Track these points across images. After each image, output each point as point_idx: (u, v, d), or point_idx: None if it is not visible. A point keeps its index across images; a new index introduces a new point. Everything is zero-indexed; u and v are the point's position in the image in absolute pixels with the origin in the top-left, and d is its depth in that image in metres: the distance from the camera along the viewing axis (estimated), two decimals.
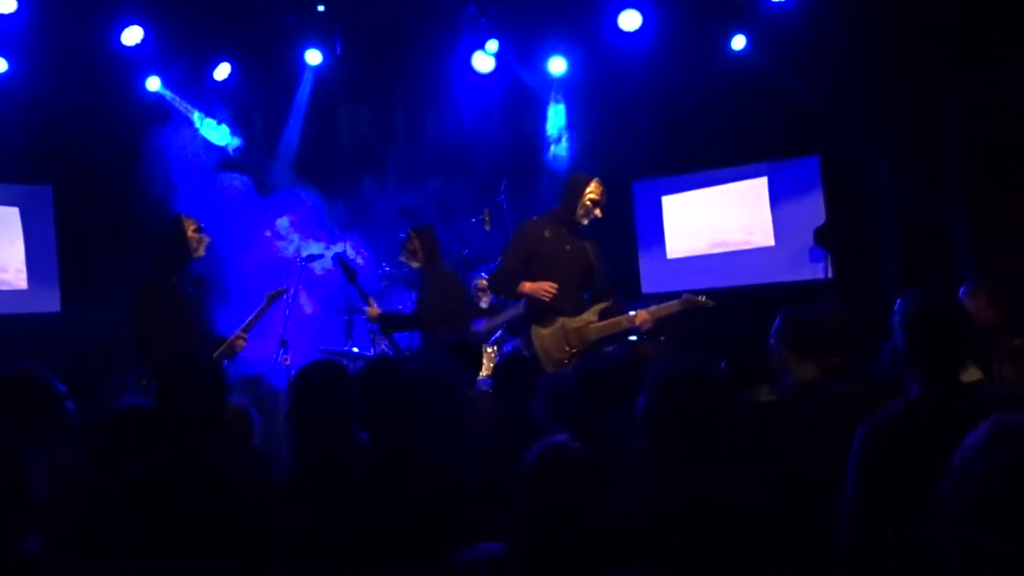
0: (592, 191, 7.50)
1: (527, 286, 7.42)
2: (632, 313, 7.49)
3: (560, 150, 10.72)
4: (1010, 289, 6.35)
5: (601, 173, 10.33)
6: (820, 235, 9.92)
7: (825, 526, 3.44)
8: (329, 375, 3.99)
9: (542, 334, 7.48)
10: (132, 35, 9.41)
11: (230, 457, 3.87)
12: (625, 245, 10.73)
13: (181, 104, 10.15)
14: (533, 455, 2.96)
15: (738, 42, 10.02)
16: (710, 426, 2.89)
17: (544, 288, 7.33)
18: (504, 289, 7.89)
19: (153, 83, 9.99)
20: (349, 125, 11.00)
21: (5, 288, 10.06)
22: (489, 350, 8.58)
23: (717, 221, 10.77)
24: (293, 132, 10.65)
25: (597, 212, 7.52)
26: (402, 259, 8.72)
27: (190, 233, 7.43)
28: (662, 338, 8.21)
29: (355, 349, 9.19)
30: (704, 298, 7.52)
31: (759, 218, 10.66)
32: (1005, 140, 8.57)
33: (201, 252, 7.54)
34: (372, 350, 9.14)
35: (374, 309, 8.35)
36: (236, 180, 10.29)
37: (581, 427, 4.34)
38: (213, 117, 10.32)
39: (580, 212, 7.50)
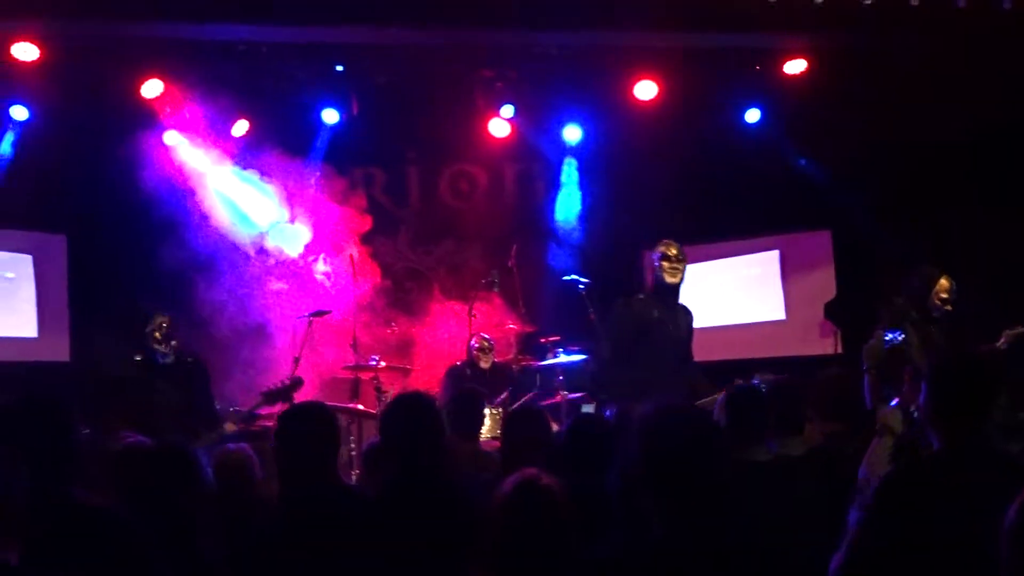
0: (942, 289, 7.31)
1: None
2: None
3: (571, 217, 10.76)
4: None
5: (612, 241, 10.32)
6: (830, 310, 9.89)
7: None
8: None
9: None
10: (152, 88, 9.48)
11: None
12: None
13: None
14: (508, 487, 2.94)
15: (752, 115, 10.08)
16: (706, 460, 2.88)
17: None
18: None
19: (171, 137, 9.99)
20: (363, 186, 10.98)
21: (15, 335, 10.01)
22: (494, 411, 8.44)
23: (728, 293, 10.73)
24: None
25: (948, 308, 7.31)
26: None
27: (153, 331, 7.76)
28: None
29: (360, 407, 9.10)
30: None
31: (770, 291, 10.63)
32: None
33: (162, 349, 7.77)
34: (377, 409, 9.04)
35: None
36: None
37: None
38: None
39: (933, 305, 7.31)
